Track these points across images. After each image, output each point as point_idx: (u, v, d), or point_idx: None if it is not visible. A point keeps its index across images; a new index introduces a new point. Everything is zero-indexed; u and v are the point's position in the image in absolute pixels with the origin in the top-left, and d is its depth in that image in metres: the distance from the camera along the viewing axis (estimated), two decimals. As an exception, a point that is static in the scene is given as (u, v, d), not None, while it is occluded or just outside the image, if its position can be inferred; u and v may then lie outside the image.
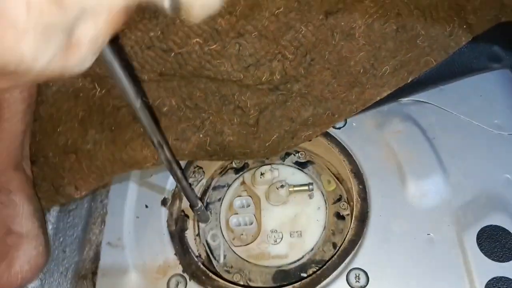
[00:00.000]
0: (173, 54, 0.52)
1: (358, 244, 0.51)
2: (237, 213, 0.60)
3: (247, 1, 0.50)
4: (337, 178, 0.63)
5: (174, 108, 0.54)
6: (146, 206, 0.57)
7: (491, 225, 0.49)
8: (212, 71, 0.53)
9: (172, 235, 0.55)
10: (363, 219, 0.53)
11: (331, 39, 0.53)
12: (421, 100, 0.60)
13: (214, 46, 0.52)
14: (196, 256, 0.58)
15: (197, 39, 0.51)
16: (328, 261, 0.52)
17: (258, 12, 0.51)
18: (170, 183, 0.59)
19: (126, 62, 0.51)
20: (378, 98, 0.56)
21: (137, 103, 0.38)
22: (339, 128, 0.60)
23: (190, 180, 0.63)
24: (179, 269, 0.52)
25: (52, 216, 0.57)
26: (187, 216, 0.60)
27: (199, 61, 0.52)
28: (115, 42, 0.50)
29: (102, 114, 0.53)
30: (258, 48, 0.53)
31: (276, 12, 0.51)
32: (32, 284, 0.52)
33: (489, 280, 0.46)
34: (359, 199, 0.54)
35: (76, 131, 0.53)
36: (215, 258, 0.59)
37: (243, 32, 0.52)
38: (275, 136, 0.56)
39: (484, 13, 0.55)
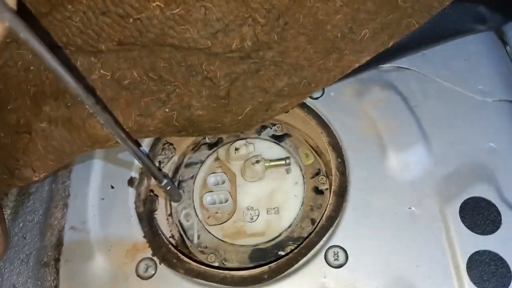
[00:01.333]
0: (131, 20, 0.47)
1: (336, 221, 0.48)
2: (211, 191, 0.58)
3: (211, -42, 0.44)
4: (316, 151, 0.60)
5: (136, 81, 0.49)
6: (112, 187, 0.54)
7: (474, 197, 0.47)
8: (176, 38, 0.48)
9: (140, 217, 0.52)
10: (342, 194, 0.50)
11: (305, 0, 0.48)
12: (403, 66, 0.57)
13: (177, 10, 0.47)
14: (170, 237, 0.55)
15: (158, 3, 0.46)
16: (305, 239, 0.49)
17: (224, -29, 0.46)
18: (137, 162, 0.55)
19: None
20: (357, 65, 0.52)
21: (74, 85, 0.36)
22: (316, 98, 0.56)
23: (160, 158, 0.59)
24: (148, 253, 0.49)
25: (10, 200, 0.53)
26: (157, 196, 0.56)
27: (161, 28, 0.47)
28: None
29: (57, 89, 0.48)
30: (226, 11, 0.48)
31: (244, -30, 0.46)
32: (-9, 273, 0.49)
33: (472, 254, 0.44)
34: (337, 173, 0.51)
35: (28, 109, 0.48)
36: (188, 239, 0.56)
37: (208, -6, 0.47)
38: (248, 108, 0.52)
39: (470, -30, 0.51)
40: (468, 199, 0.47)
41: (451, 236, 0.45)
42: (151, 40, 0.48)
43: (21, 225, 0.52)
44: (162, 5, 0.46)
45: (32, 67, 0.48)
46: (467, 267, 0.44)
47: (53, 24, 0.47)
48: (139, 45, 0.49)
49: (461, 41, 0.57)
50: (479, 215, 0.46)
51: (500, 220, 0.46)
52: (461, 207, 0.47)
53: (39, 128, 0.48)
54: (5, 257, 0.50)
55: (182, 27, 0.48)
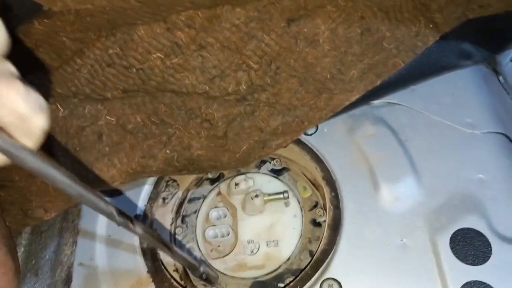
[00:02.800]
0: (134, 70, 0.51)
1: (331, 254, 0.50)
2: (213, 225, 0.60)
3: (205, 13, 0.48)
4: (313, 184, 0.62)
5: (140, 125, 0.53)
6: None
7: (464, 228, 0.49)
8: (176, 84, 0.52)
9: (144, 252, 0.54)
10: (336, 227, 0.52)
11: (295, 46, 0.52)
12: (393, 101, 0.60)
13: (176, 60, 0.51)
14: (174, 271, 0.57)
15: (158, 54, 0.50)
16: (301, 271, 0.51)
17: (217, 23, 0.50)
18: (142, 200, 0.58)
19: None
20: (347, 103, 0.55)
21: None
22: (310, 135, 0.59)
23: (164, 194, 0.62)
24: (152, 287, 0.51)
25: (23, 238, 0.56)
26: (159, 234, 0.59)
27: (162, 76, 0.51)
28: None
29: (66, 136, 0.52)
30: (222, 59, 0.52)
31: (236, 22, 0.50)
32: (5, 310, 0.52)
33: (463, 285, 0.46)
34: (331, 207, 0.54)
35: (40, 154, 0.52)
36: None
37: (204, 44, 0.51)
38: (244, 147, 0.55)
39: (450, 11, 0.54)
40: (458, 230, 0.49)
41: (442, 267, 0.47)
42: (153, 87, 0.52)
43: (33, 262, 0.55)
44: (162, 56, 0.50)
45: None
46: (458, 298, 0.45)
47: (64, 76, 0.51)
48: (142, 92, 0.53)
49: (449, 76, 0.59)
50: (469, 245, 0.48)
51: (490, 250, 0.47)
52: (451, 238, 0.48)
53: (50, 172, 0.52)
54: (17, 294, 0.53)
55: (181, 74, 0.52)
